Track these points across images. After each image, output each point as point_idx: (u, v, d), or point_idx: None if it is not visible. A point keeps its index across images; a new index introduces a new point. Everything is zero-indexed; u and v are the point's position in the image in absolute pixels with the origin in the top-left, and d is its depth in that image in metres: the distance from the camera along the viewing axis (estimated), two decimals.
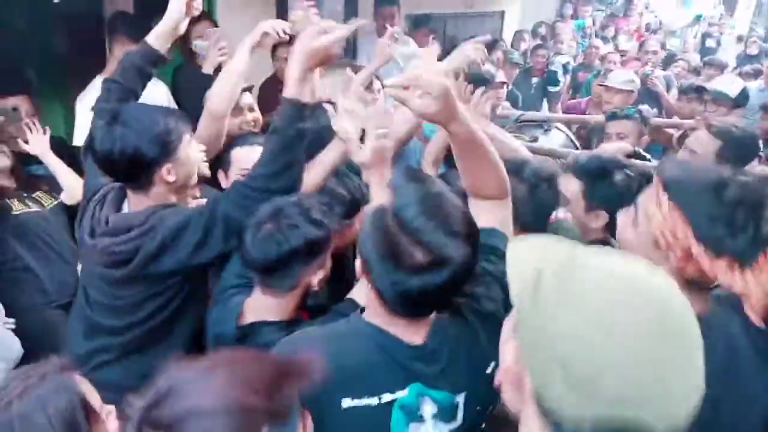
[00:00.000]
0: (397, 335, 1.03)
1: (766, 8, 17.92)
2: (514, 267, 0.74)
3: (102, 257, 1.51)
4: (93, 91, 2.24)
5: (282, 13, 3.94)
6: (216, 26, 2.92)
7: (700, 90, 3.52)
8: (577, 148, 3.12)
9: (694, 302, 1.00)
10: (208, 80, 2.64)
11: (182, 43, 3.01)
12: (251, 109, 2.31)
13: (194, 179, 1.62)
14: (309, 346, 1.04)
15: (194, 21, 3.00)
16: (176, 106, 2.79)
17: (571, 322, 0.62)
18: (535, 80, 5.69)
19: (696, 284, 1.08)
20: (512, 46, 6.27)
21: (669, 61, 5.79)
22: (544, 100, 5.69)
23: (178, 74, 3.05)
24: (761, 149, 2.20)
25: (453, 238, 0.94)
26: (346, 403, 1.00)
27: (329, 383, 0.96)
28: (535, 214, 1.58)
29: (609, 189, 1.64)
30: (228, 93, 1.99)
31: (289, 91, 1.41)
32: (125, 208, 1.56)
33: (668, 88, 4.71)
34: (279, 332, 1.25)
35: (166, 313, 1.55)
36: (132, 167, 1.44)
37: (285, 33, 2.12)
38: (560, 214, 2.16)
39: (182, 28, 1.92)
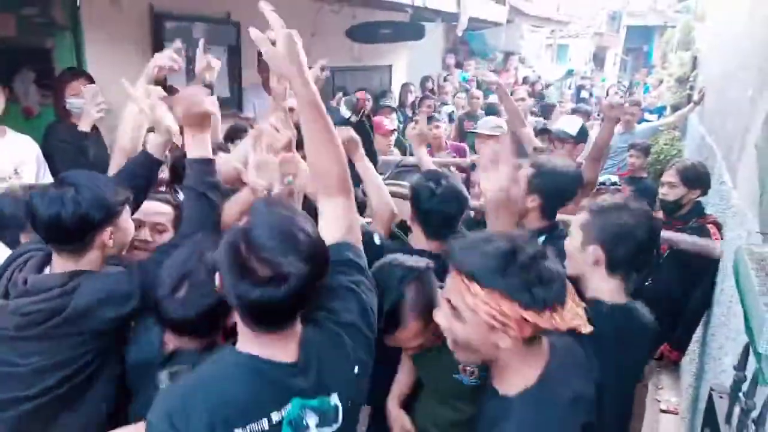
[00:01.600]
0: (270, 358, 1.08)
1: (629, 65, 20.29)
2: None
3: (13, 318, 1.43)
4: None
5: None
6: (92, 82, 2.83)
7: (545, 131, 3.89)
8: None
9: (532, 360, 1.17)
10: (83, 137, 2.62)
11: (56, 100, 2.90)
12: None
13: (126, 248, 1.65)
14: (190, 394, 1.07)
15: (68, 79, 2.93)
16: (46, 163, 2.69)
17: None
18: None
19: (535, 339, 1.17)
20: (400, 97, 6.62)
21: (547, 109, 6.38)
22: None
23: (51, 131, 2.87)
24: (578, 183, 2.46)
25: (294, 257, 1.00)
26: None
27: (218, 422, 1.02)
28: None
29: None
30: (132, 130, 2.07)
31: (191, 151, 1.55)
32: (47, 271, 1.52)
33: (536, 133, 5.16)
34: (196, 357, 1.30)
35: (81, 377, 1.47)
36: (77, 229, 1.45)
37: (178, 64, 2.25)
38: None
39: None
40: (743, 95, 3.13)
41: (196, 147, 1.56)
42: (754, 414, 1.30)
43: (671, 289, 3.00)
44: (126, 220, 1.57)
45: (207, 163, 1.56)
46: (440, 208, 1.90)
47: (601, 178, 4.05)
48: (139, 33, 3.73)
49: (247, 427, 1.04)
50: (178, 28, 4.00)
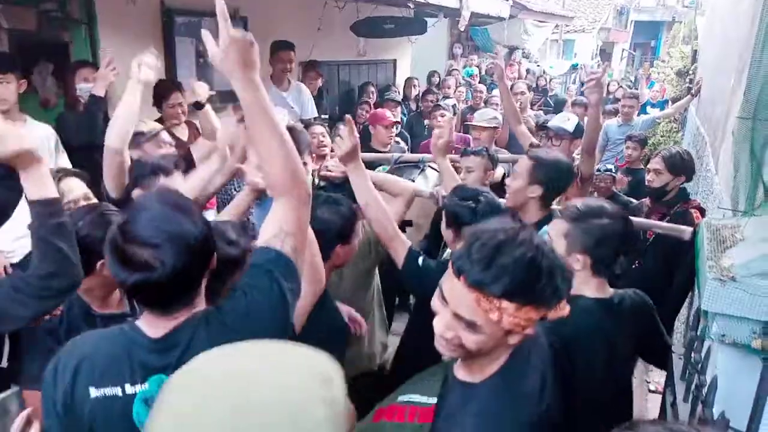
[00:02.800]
0: (141, 329, 1.14)
1: (636, 60, 20.22)
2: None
3: None
4: None
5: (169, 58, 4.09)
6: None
7: (543, 127, 3.99)
8: None
9: (502, 349, 1.10)
10: (98, 101, 2.84)
11: (66, 89, 3.09)
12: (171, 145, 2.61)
13: None
14: (70, 349, 1.15)
15: (77, 67, 3.12)
16: (63, 148, 2.88)
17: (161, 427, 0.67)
18: (427, 122, 6.13)
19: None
20: (404, 91, 6.76)
21: (560, 103, 6.49)
22: None
23: (61, 121, 3.06)
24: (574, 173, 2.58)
25: (169, 247, 1.05)
26: (93, 393, 1.09)
27: (80, 375, 1.10)
28: None
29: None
30: (120, 126, 2.22)
31: (31, 193, 1.34)
32: None
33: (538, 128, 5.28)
34: None
35: None
36: None
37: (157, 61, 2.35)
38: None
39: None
40: (727, 84, 3.25)
41: (32, 186, 1.33)
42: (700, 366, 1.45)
43: (656, 272, 3.13)
44: None
45: (47, 204, 1.34)
46: None
47: (608, 166, 4.21)
48: (151, 28, 3.90)
49: (101, 389, 1.09)
50: (188, 23, 4.18)
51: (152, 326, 1.14)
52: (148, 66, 2.29)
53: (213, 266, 1.17)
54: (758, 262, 1.35)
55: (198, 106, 3.01)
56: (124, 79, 3.51)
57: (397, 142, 4.39)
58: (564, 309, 1.10)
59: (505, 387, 1.13)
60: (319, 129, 3.58)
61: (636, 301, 1.67)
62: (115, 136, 2.20)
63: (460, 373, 1.19)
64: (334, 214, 1.84)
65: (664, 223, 2.81)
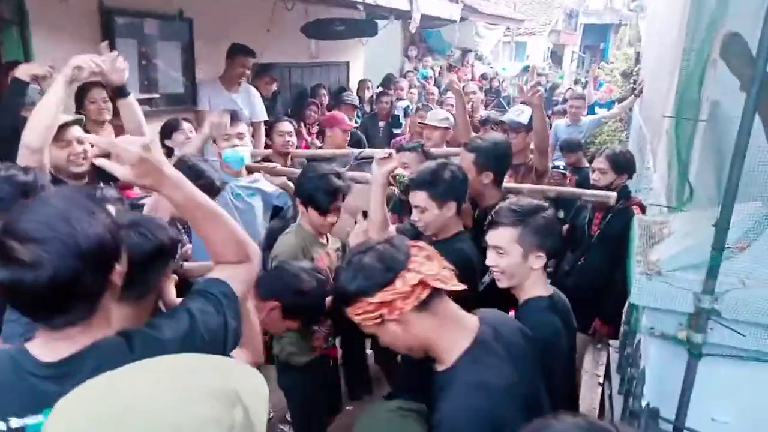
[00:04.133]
0: (30, 352, 1.00)
1: (586, 62, 20.82)
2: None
3: None
4: None
5: None
6: None
7: (499, 122, 4.09)
8: None
9: (450, 330, 1.22)
10: (21, 84, 2.55)
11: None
12: (80, 141, 2.34)
13: None
14: None
15: (9, 68, 2.96)
16: None
17: None
18: (381, 124, 6.15)
19: (426, 304, 1.23)
20: (357, 93, 6.75)
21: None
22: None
23: None
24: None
25: (58, 247, 0.93)
26: None
27: None
28: None
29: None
30: (42, 126, 2.06)
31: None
32: None
33: (492, 126, 5.40)
34: None
35: None
36: None
37: (99, 67, 2.25)
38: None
39: None
40: (664, 85, 3.38)
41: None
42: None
43: (601, 266, 3.22)
44: None
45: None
46: None
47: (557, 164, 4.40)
48: (88, 28, 3.76)
49: None
50: (129, 23, 4.04)
51: (44, 348, 1.01)
52: (85, 65, 2.17)
53: (115, 281, 1.03)
54: (682, 255, 1.39)
55: (120, 93, 2.53)
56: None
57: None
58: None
59: (467, 371, 1.20)
60: (287, 127, 3.60)
61: (563, 299, 1.73)
62: (34, 134, 2.05)
63: (435, 365, 1.28)
64: None
65: (589, 191, 2.96)
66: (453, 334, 1.24)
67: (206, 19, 4.65)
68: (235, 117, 2.95)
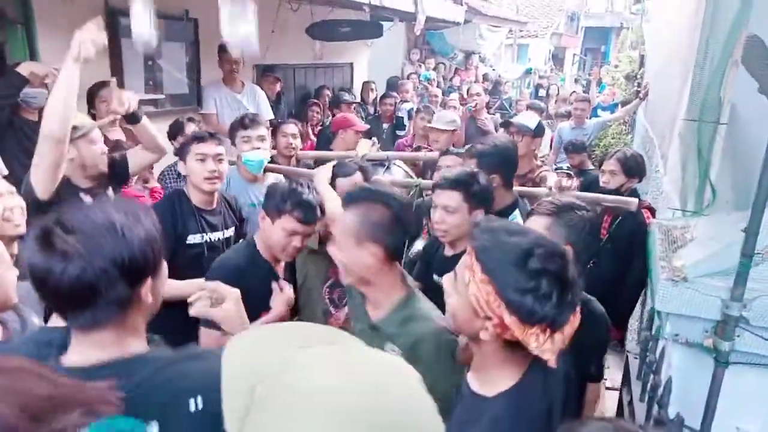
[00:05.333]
0: (61, 360, 1.00)
1: (587, 65, 20.82)
2: (229, 379, 0.70)
3: None
4: None
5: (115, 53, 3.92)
6: None
7: (507, 124, 4.07)
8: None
9: (513, 364, 1.12)
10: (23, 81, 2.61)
11: None
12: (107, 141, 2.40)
13: None
14: None
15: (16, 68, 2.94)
16: None
17: None
18: (386, 126, 6.13)
19: (517, 344, 1.10)
20: (361, 95, 6.73)
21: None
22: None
23: None
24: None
25: (94, 245, 0.94)
26: None
27: None
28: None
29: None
30: (60, 110, 1.95)
31: None
32: None
33: (496, 128, 5.39)
34: None
35: None
36: None
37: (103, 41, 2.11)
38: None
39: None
40: (673, 88, 3.36)
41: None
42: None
43: (611, 271, 3.20)
44: None
45: None
46: None
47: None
48: None
49: None
50: None
51: (71, 353, 1.01)
52: (90, 41, 2.04)
53: (145, 296, 1.02)
54: (708, 262, 1.37)
55: (132, 119, 2.40)
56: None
57: None
58: (546, 345, 1.04)
59: (517, 405, 1.12)
60: (291, 129, 3.53)
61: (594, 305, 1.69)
62: (56, 122, 1.93)
63: (475, 385, 1.19)
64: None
65: (609, 196, 2.87)
66: (507, 364, 1.16)
67: (212, 19, 4.62)
68: (255, 120, 2.85)
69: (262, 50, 5.02)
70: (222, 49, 4.41)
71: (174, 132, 3.33)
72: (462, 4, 7.65)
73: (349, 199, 1.55)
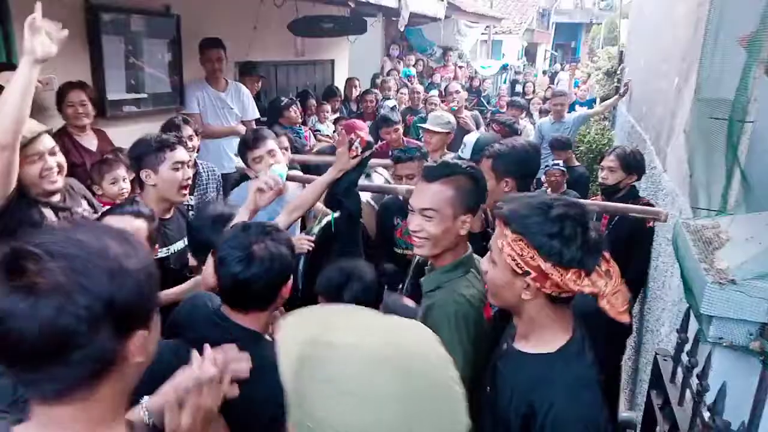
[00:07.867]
0: None
1: (558, 60, 21.11)
2: (283, 345, 0.79)
3: None
4: None
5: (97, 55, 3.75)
6: None
7: (501, 122, 4.06)
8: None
9: (560, 322, 1.25)
10: None
11: None
12: (52, 153, 2.08)
13: None
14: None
15: None
16: None
17: (326, 404, 0.70)
18: (368, 123, 6.04)
19: (560, 300, 1.23)
20: (345, 92, 6.63)
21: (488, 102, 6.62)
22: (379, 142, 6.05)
23: None
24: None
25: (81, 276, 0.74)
26: None
27: None
28: None
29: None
30: (11, 116, 1.74)
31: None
32: None
33: (477, 125, 5.36)
34: None
35: None
36: None
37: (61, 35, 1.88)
38: None
39: None
40: (669, 84, 3.38)
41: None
42: (697, 370, 1.43)
43: None
44: None
45: None
46: None
47: (549, 162, 4.37)
48: (73, 26, 3.54)
49: None
50: (115, 20, 3.84)
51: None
52: (49, 36, 1.80)
53: (132, 353, 0.80)
54: (753, 263, 1.35)
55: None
56: (52, 94, 3.17)
57: None
58: (589, 286, 1.15)
59: (579, 358, 1.23)
60: (283, 143, 3.22)
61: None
62: (4, 129, 1.73)
63: (520, 340, 1.31)
64: None
65: (638, 206, 2.84)
66: (557, 321, 1.26)
67: (193, 14, 4.47)
68: (259, 137, 2.60)
69: (244, 47, 4.90)
70: (203, 46, 4.28)
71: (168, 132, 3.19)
72: (442, 0, 7.62)
73: (433, 174, 1.62)
